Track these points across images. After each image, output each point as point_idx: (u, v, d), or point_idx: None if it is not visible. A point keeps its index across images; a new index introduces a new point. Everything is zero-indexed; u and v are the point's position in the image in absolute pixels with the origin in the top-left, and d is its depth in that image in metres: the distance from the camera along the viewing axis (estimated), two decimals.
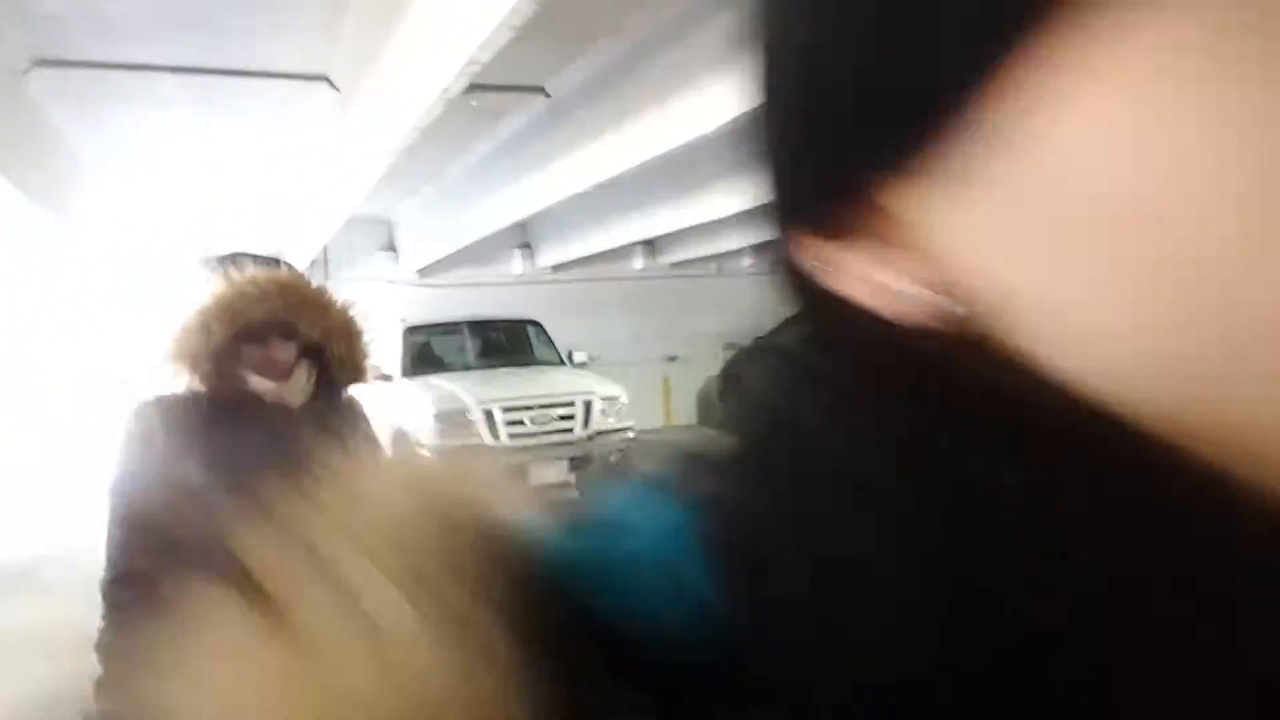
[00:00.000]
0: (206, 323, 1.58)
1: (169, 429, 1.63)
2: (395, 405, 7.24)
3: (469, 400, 6.54)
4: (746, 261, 12.90)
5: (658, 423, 13.24)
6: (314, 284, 1.80)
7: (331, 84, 5.45)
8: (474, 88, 5.16)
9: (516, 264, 11.76)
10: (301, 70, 5.36)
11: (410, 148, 5.06)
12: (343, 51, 4.92)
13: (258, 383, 1.68)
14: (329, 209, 7.71)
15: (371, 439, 2.01)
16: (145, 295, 12.32)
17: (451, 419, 6.33)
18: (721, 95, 4.14)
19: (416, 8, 3.57)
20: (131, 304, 12.31)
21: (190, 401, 1.66)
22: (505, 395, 6.62)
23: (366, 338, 1.84)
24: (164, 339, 1.63)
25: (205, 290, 1.62)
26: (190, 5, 4.45)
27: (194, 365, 1.61)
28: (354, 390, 1.93)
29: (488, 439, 6.48)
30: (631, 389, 11.93)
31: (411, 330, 7.91)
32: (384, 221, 12.49)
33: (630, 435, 7.02)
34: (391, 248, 12.60)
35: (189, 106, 5.89)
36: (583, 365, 8.13)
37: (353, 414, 1.96)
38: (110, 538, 1.61)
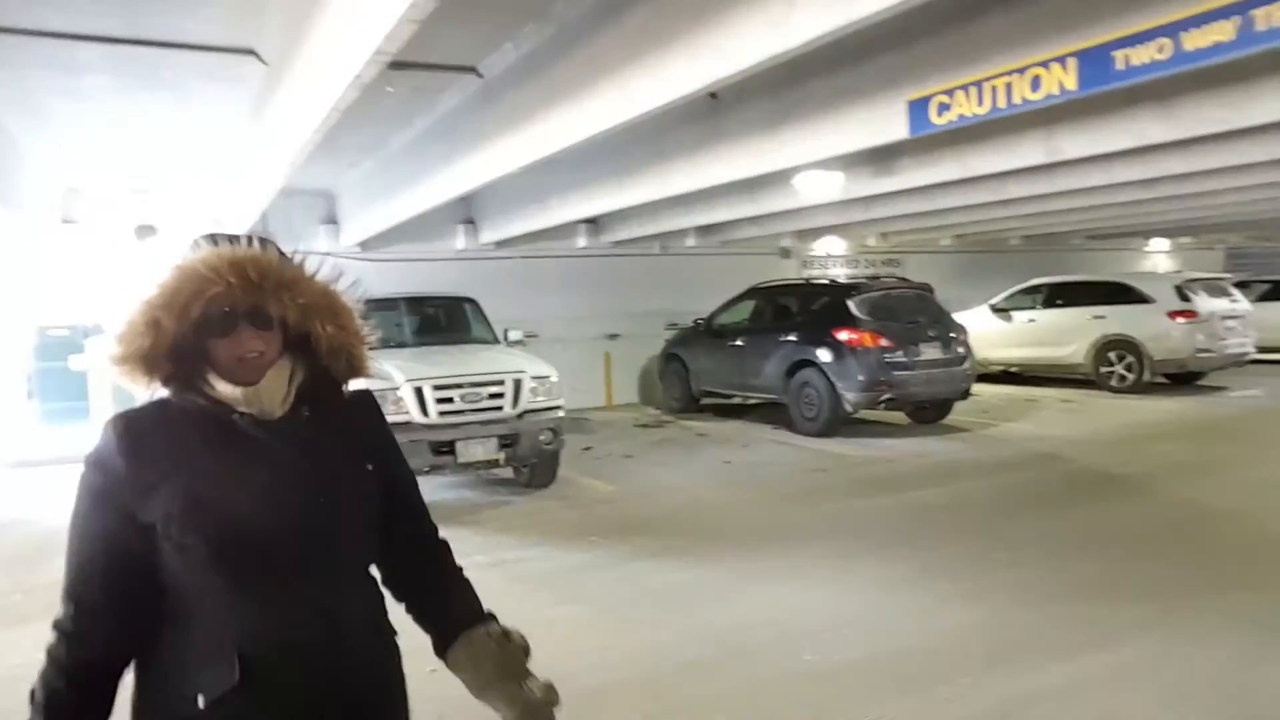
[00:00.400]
0: (153, 315, 1.29)
1: (126, 454, 1.30)
2: None
3: (399, 378, 6.58)
4: (689, 241, 13.02)
5: (600, 401, 13.37)
6: (285, 256, 1.39)
7: (260, 58, 5.41)
8: (406, 66, 5.19)
9: (460, 239, 11.72)
10: (228, 44, 5.31)
11: (348, 121, 5.06)
12: (270, 27, 4.89)
13: (223, 388, 1.33)
14: (261, 181, 7.63)
15: (403, 461, 1.58)
16: (72, 268, 12.04)
17: (382, 396, 6.36)
18: (644, 81, 4.23)
19: None
20: (55, 277, 12.01)
21: (155, 416, 1.34)
22: (436, 373, 6.67)
23: (358, 315, 1.44)
24: (111, 337, 1.34)
25: (152, 278, 1.33)
26: None
27: (149, 368, 1.31)
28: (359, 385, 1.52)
29: (417, 416, 6.53)
30: (574, 367, 12.05)
31: None
32: (325, 194, 12.33)
33: (560, 414, 7.12)
34: (333, 220, 12.45)
35: (109, 76, 5.79)
36: (518, 344, 8.19)
37: (368, 418, 1.54)
38: (65, 576, 1.36)
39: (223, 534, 1.27)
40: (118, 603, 1.31)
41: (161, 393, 1.35)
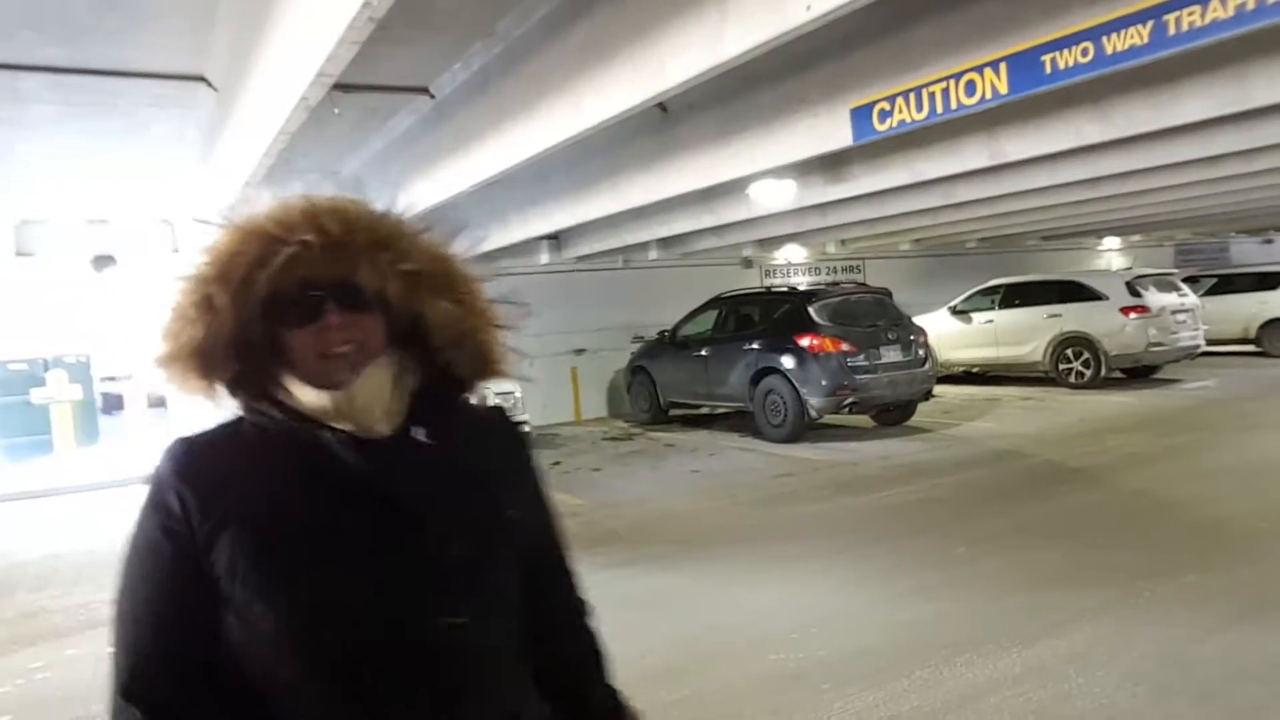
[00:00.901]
0: (204, 293, 0.94)
1: (187, 484, 0.96)
2: None
3: None
4: (652, 254, 13.11)
5: (568, 416, 13.39)
6: (388, 210, 1.03)
7: (209, 84, 5.42)
8: (355, 88, 5.22)
9: None
10: (177, 70, 5.31)
11: (301, 144, 5.07)
12: (218, 53, 4.91)
13: (305, 396, 0.97)
14: (217, 207, 7.59)
15: (553, 509, 1.21)
16: (29, 301, 11.86)
17: None
18: (590, 96, 4.31)
19: (274, 19, 3.64)
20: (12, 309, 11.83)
21: (225, 439, 1.01)
22: None
23: (491, 294, 1.07)
24: (156, 332, 1.00)
25: (203, 245, 0.97)
26: (51, 4, 4.39)
27: (205, 367, 0.96)
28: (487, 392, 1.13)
29: None
30: (541, 383, 12.07)
31: None
32: None
33: (525, 430, 7.11)
34: None
35: (57, 106, 5.76)
36: None
37: (507, 445, 1.16)
38: (114, 645, 1.00)
39: (298, 603, 0.93)
40: (193, 693, 0.95)
41: (227, 406, 1.01)
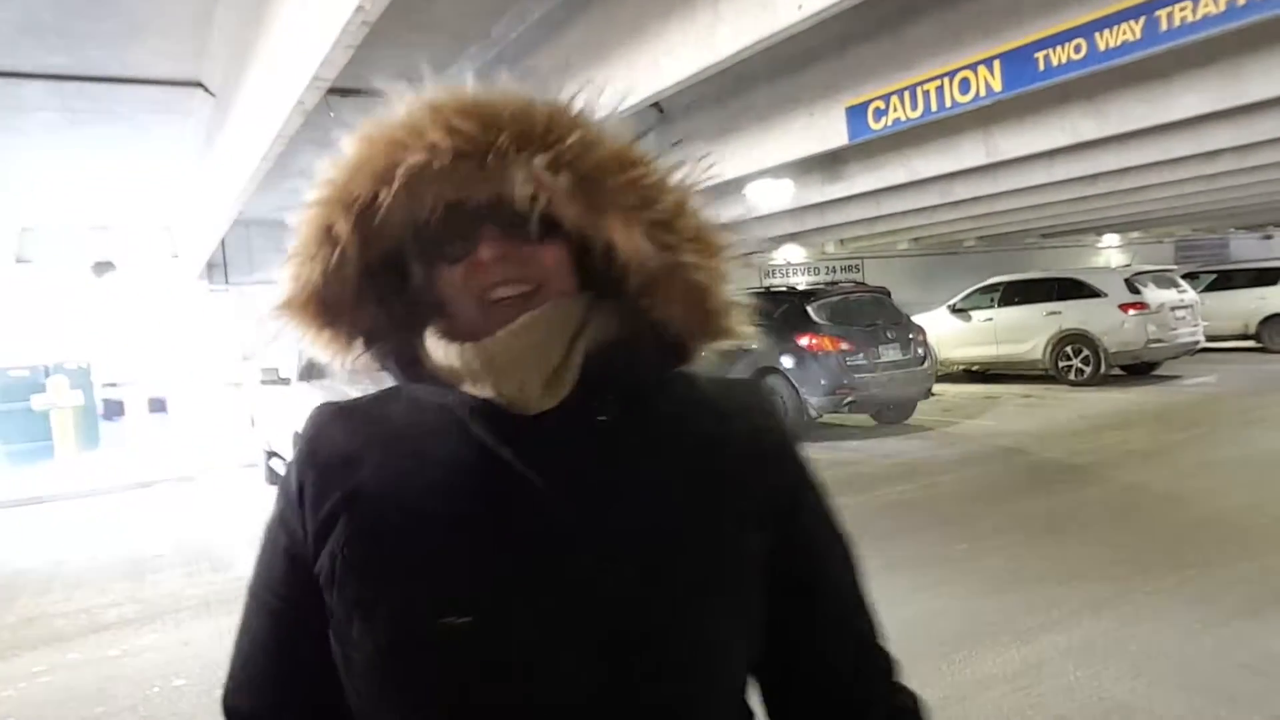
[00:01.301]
0: (325, 222, 0.72)
1: (309, 465, 0.77)
2: (293, 408, 7.23)
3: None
4: None
5: None
6: (560, 97, 0.73)
7: (207, 89, 5.44)
8: (351, 92, 5.24)
9: None
10: (175, 76, 5.34)
11: (299, 148, 5.09)
12: (215, 58, 4.94)
13: (437, 352, 0.74)
14: (216, 212, 7.62)
15: (832, 527, 0.87)
16: (29, 308, 11.88)
17: None
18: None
19: (269, 24, 3.66)
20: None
21: (370, 410, 0.80)
22: None
23: (716, 220, 0.76)
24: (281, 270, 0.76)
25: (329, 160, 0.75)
26: (51, 12, 4.41)
27: (328, 316, 0.74)
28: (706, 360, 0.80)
29: None
30: None
31: None
32: (285, 223, 12.33)
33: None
34: None
35: (57, 113, 5.79)
36: None
37: (750, 440, 0.81)
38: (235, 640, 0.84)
39: (403, 634, 0.69)
40: (294, 709, 0.78)
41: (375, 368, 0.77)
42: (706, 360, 0.78)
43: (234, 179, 5.91)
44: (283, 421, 7.60)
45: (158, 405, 13.67)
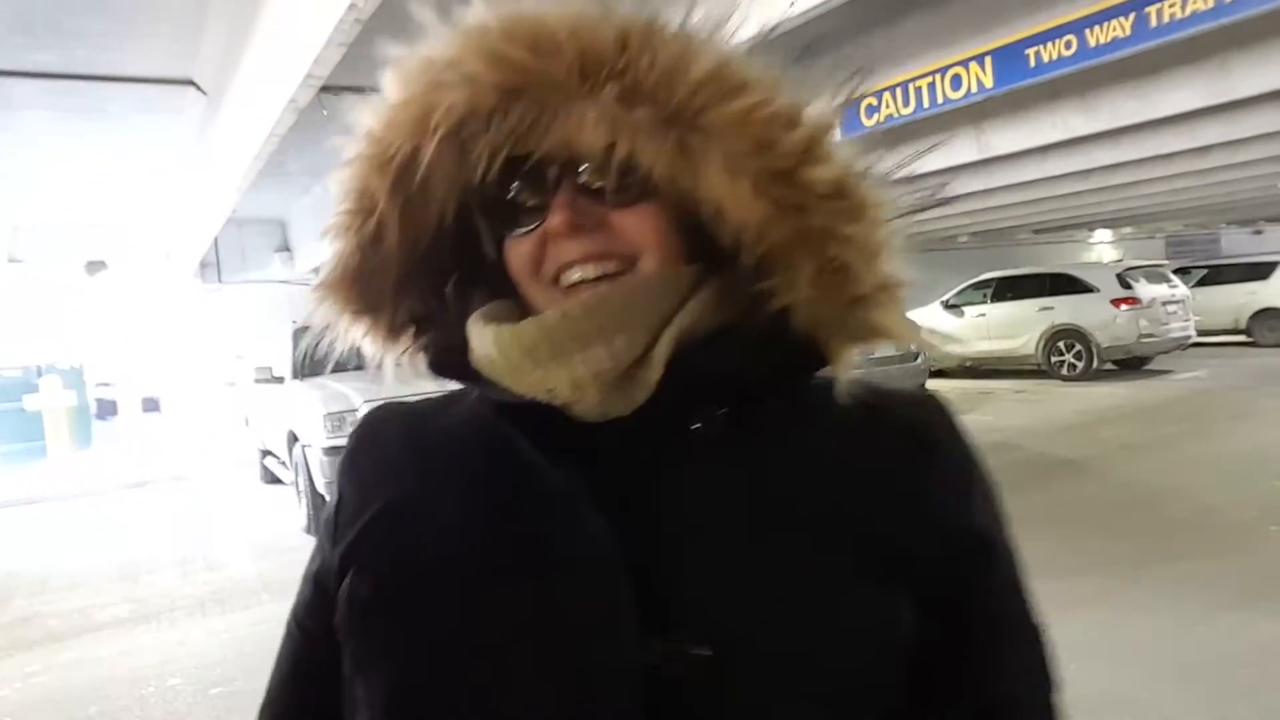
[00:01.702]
0: (363, 184, 0.57)
1: (348, 469, 0.66)
2: (287, 407, 7.22)
3: (356, 399, 6.58)
4: None
5: None
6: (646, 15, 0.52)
7: (199, 87, 5.43)
8: (345, 89, 5.24)
9: None
10: (167, 75, 5.32)
11: (292, 146, 5.09)
12: (206, 56, 4.92)
13: (474, 341, 0.58)
14: (208, 211, 7.61)
15: (1006, 579, 0.64)
16: (21, 308, 11.84)
17: (340, 418, 6.36)
18: None
19: (262, 22, 3.65)
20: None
21: (421, 415, 0.66)
22: (393, 393, 6.66)
23: (868, 168, 0.54)
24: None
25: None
26: (41, 10, 4.40)
27: (369, 303, 0.60)
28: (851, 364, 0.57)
29: None
30: None
31: (302, 331, 7.85)
32: (278, 221, 12.29)
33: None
34: (286, 248, 12.41)
35: (49, 111, 5.77)
36: None
37: (922, 465, 0.60)
38: None
39: (397, 689, 0.55)
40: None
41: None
42: (852, 364, 0.55)
43: (226, 177, 5.90)
44: (276, 420, 7.59)
45: (151, 405, 13.64)
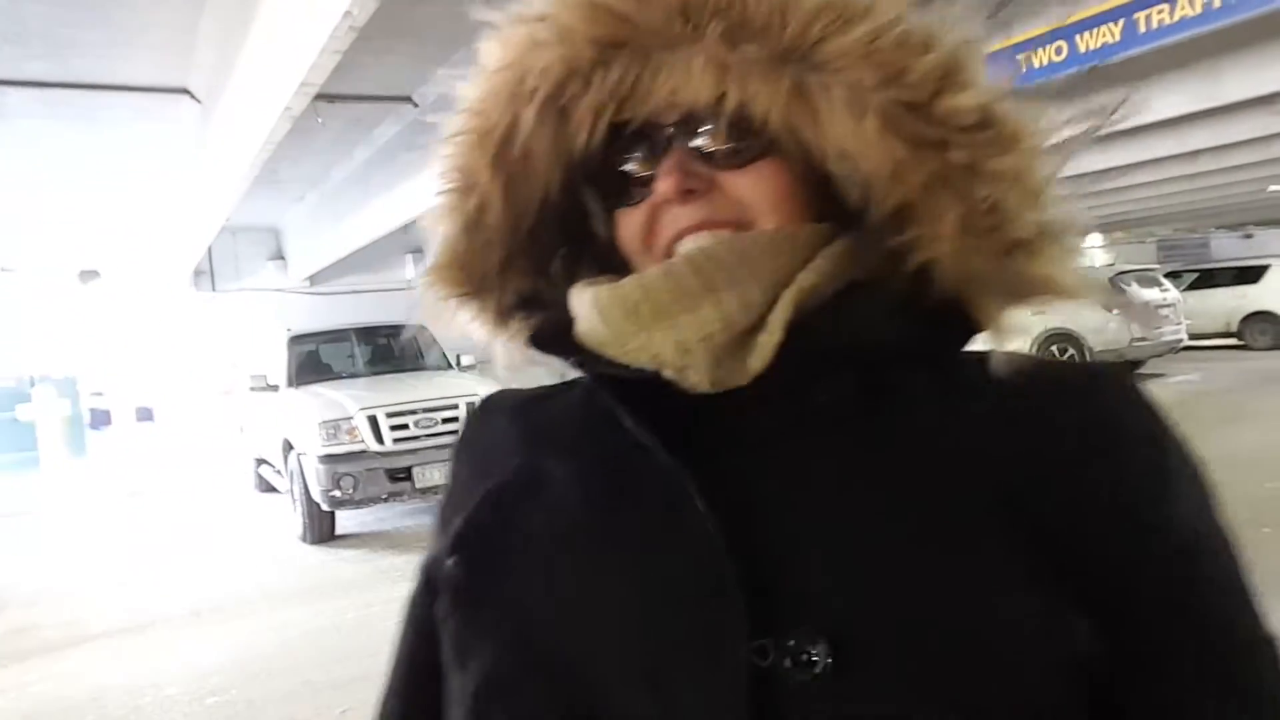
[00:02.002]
0: (463, 166, 0.54)
1: (456, 461, 0.64)
2: (282, 415, 7.22)
3: (352, 407, 6.58)
4: None
5: None
6: None
7: (193, 96, 5.44)
8: (339, 98, 5.25)
9: (409, 269, 11.75)
10: (161, 83, 5.33)
11: (287, 154, 5.11)
12: (200, 65, 4.93)
13: (581, 306, 0.53)
14: (202, 219, 7.61)
15: (1210, 582, 0.48)
16: (13, 317, 11.81)
17: (336, 426, 6.37)
18: None
19: (256, 30, 3.67)
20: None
21: (542, 400, 0.62)
22: (389, 400, 6.68)
23: (1015, 94, 0.45)
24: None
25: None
26: (36, 20, 4.41)
27: (473, 287, 0.56)
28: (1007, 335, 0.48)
29: (372, 444, 6.53)
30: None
31: (297, 339, 7.87)
32: (271, 229, 12.30)
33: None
34: (280, 256, 12.41)
35: (43, 120, 5.77)
36: (470, 369, 8.22)
37: (1152, 502, 0.48)
38: None
39: (485, 680, 0.51)
40: None
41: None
42: (1007, 329, 0.48)
43: (221, 185, 5.91)
44: (271, 429, 7.58)
45: (145, 414, 13.61)
